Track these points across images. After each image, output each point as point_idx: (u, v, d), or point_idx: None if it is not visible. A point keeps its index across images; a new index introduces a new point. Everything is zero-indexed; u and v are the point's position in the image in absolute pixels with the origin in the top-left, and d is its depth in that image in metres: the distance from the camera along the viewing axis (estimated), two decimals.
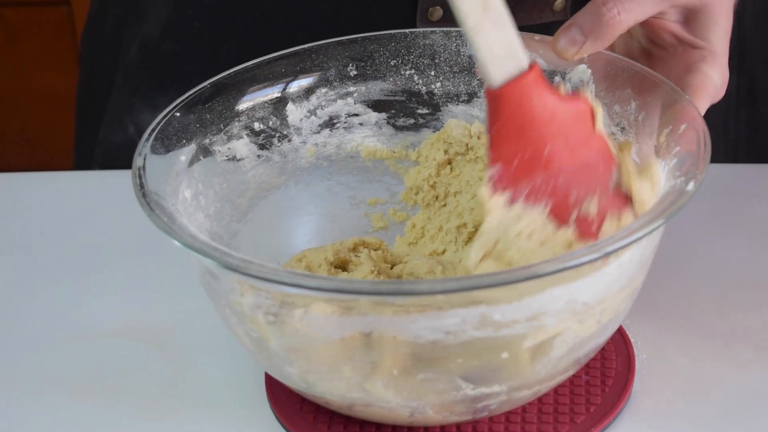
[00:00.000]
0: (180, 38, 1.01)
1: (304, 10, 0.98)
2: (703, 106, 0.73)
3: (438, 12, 0.95)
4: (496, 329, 0.62)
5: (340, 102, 0.81)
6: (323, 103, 0.81)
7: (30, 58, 1.96)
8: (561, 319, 0.63)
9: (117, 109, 1.07)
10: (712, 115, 1.04)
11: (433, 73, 0.82)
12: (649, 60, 0.79)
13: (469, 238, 0.78)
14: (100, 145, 1.08)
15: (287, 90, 0.80)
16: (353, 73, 0.81)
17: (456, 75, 0.81)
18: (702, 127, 0.68)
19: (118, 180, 0.94)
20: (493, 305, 0.60)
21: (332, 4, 0.97)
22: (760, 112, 1.07)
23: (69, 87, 2.00)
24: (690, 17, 0.77)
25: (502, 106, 0.62)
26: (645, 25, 0.77)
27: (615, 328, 0.70)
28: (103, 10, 1.10)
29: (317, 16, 0.98)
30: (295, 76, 0.80)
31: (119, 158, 1.03)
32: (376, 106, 0.82)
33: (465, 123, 0.80)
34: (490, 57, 0.61)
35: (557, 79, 0.78)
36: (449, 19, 0.95)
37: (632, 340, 0.76)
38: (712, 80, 0.75)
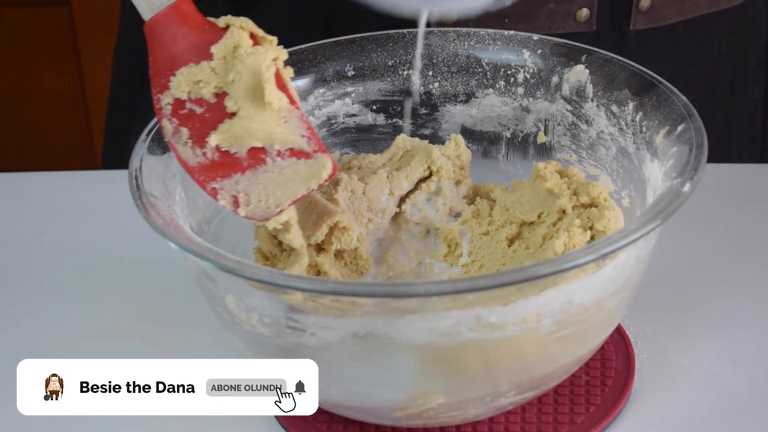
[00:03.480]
0: None
1: (342, 10, 0.97)
2: None
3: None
4: (492, 331, 0.62)
5: (338, 102, 0.81)
6: (321, 104, 0.81)
7: (30, 58, 1.96)
8: (557, 320, 0.63)
9: (151, 118, 1.06)
10: (739, 122, 1.04)
11: (431, 73, 0.81)
12: None
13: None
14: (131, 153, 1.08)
15: None
16: (351, 73, 0.81)
17: (454, 75, 0.81)
18: (699, 128, 0.68)
19: (118, 180, 0.93)
20: (488, 307, 0.60)
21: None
22: None
23: (69, 87, 2.00)
24: None
25: (153, 38, 0.68)
26: None
27: (612, 329, 0.70)
28: (133, 25, 1.10)
29: (357, 17, 0.97)
30: (293, 76, 0.79)
31: None
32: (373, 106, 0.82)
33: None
34: None
35: (555, 79, 0.78)
36: (464, 23, 0.94)
37: (632, 340, 0.76)
38: None
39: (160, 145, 0.71)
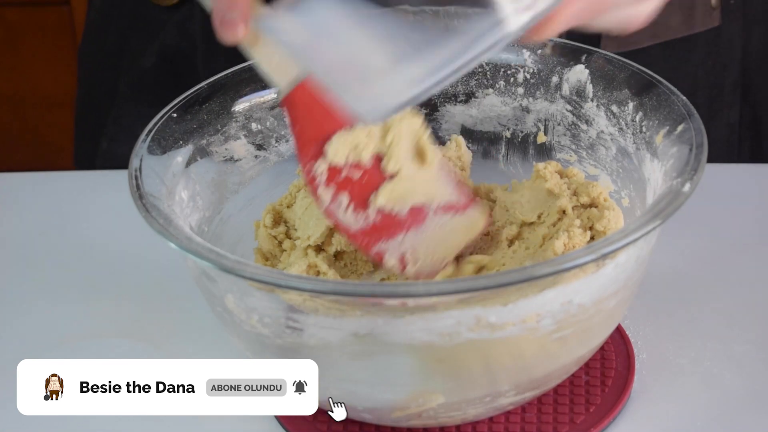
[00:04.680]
0: (216, 49, 1.00)
1: None
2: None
3: None
4: (492, 331, 0.62)
5: None
6: None
7: (30, 58, 1.96)
8: (557, 320, 0.63)
9: (126, 120, 1.06)
10: (715, 147, 1.04)
11: None
12: None
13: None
14: (105, 156, 1.08)
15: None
16: None
17: None
18: (699, 128, 0.68)
19: (118, 180, 0.93)
20: (488, 307, 0.60)
21: None
22: (764, 143, 1.06)
23: (69, 87, 2.00)
24: None
25: (296, 106, 0.68)
26: None
27: (612, 329, 0.70)
28: (104, 24, 1.09)
29: None
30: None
31: None
32: None
33: None
34: (270, 68, 0.67)
35: (555, 79, 0.78)
36: None
37: (632, 340, 0.76)
38: None
39: (160, 145, 0.71)
